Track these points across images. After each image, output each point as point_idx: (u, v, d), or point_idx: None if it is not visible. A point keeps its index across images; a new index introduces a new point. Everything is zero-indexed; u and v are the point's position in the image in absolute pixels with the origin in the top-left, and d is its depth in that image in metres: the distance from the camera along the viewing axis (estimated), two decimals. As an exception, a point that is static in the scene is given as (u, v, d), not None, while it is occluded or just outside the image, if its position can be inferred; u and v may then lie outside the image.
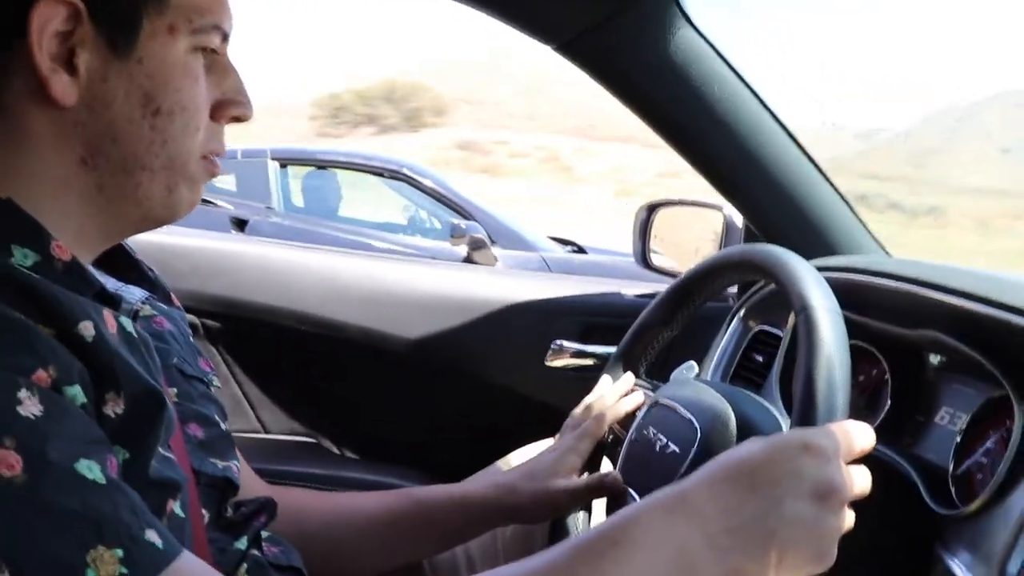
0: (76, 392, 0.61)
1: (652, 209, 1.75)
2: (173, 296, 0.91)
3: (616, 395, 1.10)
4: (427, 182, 5.31)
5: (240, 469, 0.90)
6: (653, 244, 1.73)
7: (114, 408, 0.65)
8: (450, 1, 1.24)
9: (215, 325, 1.64)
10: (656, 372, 1.17)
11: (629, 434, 1.02)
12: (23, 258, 0.66)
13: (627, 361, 1.16)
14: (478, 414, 1.71)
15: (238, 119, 0.79)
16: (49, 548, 0.55)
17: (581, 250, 5.25)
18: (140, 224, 0.77)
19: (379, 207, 6.14)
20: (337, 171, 5.78)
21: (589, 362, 1.56)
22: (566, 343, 1.56)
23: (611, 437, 1.10)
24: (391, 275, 1.71)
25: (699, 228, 1.76)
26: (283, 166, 5.43)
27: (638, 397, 1.08)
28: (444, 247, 4.61)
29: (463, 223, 4.68)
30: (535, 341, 1.57)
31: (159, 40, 0.70)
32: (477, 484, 1.05)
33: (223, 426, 0.88)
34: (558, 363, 1.56)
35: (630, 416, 1.07)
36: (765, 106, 1.34)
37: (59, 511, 0.56)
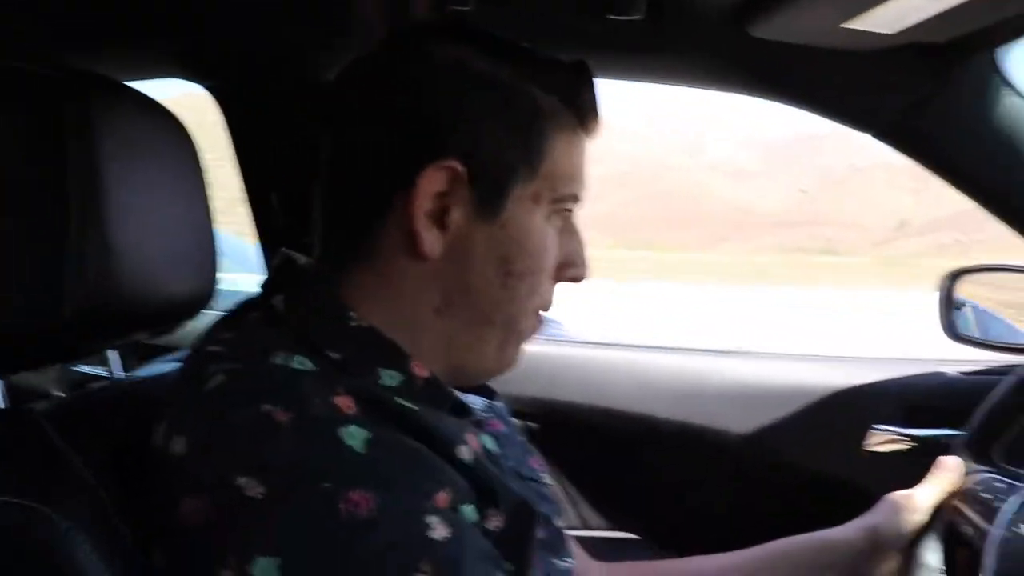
0: (470, 511, 0.65)
1: (955, 276, 1.67)
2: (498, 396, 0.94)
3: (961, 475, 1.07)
4: None
5: (578, 564, 0.92)
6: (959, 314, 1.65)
7: (495, 523, 0.68)
8: (766, 100, 1.27)
9: (534, 426, 1.69)
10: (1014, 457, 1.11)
11: (994, 529, 0.97)
12: (389, 379, 0.71)
13: (977, 448, 1.11)
14: (801, 505, 1.65)
15: (574, 280, 0.82)
16: None
17: None
18: (474, 376, 0.81)
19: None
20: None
21: (906, 446, 1.50)
22: (888, 427, 1.51)
23: (970, 530, 1.05)
24: (703, 368, 1.72)
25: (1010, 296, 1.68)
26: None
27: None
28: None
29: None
30: (856, 427, 1.53)
31: (524, 207, 0.75)
32: (839, 529, 1.05)
33: (557, 523, 0.89)
34: (880, 448, 1.51)
35: (987, 508, 1.01)
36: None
37: None
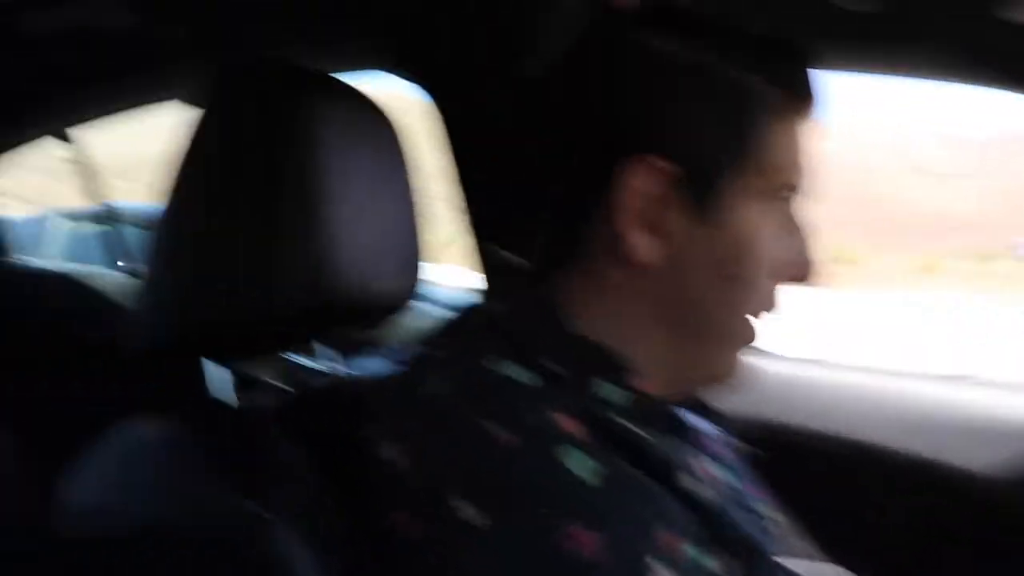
0: (694, 552, 0.60)
1: None
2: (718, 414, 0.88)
3: None
4: None
5: None
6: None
7: (718, 563, 0.62)
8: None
9: (758, 451, 1.57)
10: None
11: None
12: (608, 394, 0.66)
13: None
14: None
15: (798, 279, 0.74)
16: None
17: None
18: (692, 389, 0.76)
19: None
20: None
21: None
22: None
23: None
24: (938, 396, 1.56)
25: None
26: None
27: None
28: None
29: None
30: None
31: (739, 203, 0.68)
32: None
33: (780, 560, 0.81)
34: None
35: None
36: None
37: None
